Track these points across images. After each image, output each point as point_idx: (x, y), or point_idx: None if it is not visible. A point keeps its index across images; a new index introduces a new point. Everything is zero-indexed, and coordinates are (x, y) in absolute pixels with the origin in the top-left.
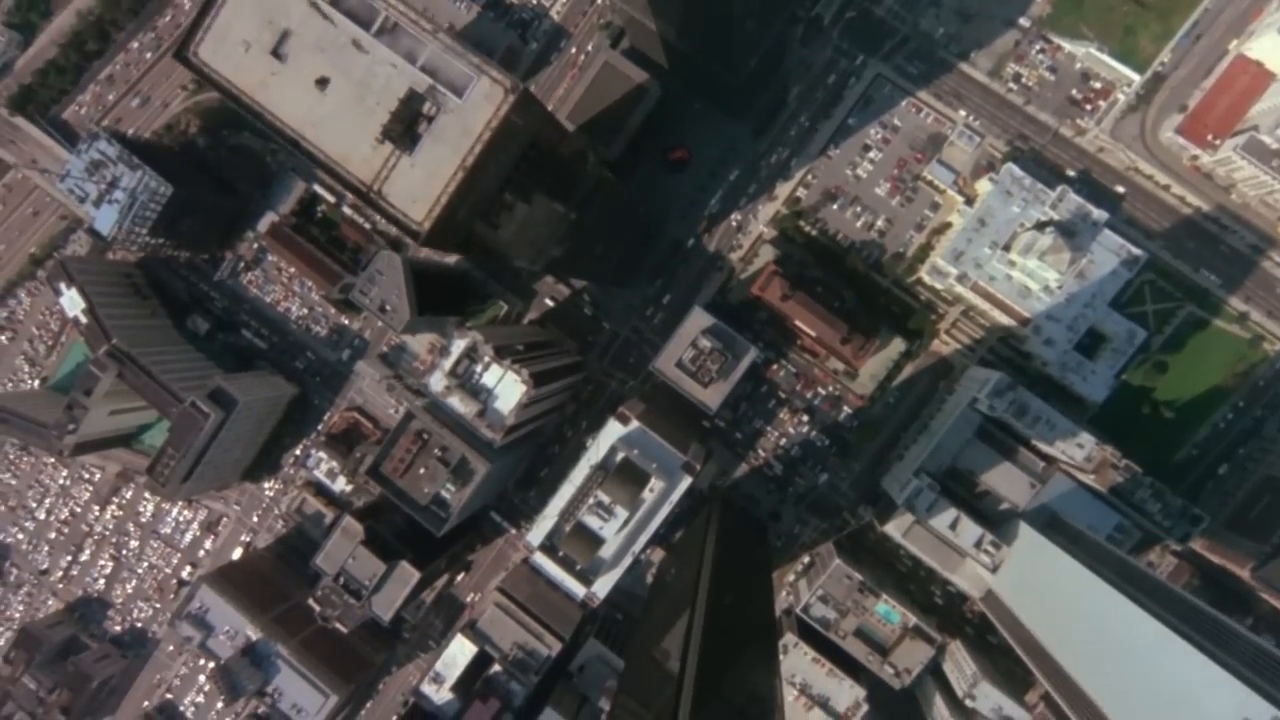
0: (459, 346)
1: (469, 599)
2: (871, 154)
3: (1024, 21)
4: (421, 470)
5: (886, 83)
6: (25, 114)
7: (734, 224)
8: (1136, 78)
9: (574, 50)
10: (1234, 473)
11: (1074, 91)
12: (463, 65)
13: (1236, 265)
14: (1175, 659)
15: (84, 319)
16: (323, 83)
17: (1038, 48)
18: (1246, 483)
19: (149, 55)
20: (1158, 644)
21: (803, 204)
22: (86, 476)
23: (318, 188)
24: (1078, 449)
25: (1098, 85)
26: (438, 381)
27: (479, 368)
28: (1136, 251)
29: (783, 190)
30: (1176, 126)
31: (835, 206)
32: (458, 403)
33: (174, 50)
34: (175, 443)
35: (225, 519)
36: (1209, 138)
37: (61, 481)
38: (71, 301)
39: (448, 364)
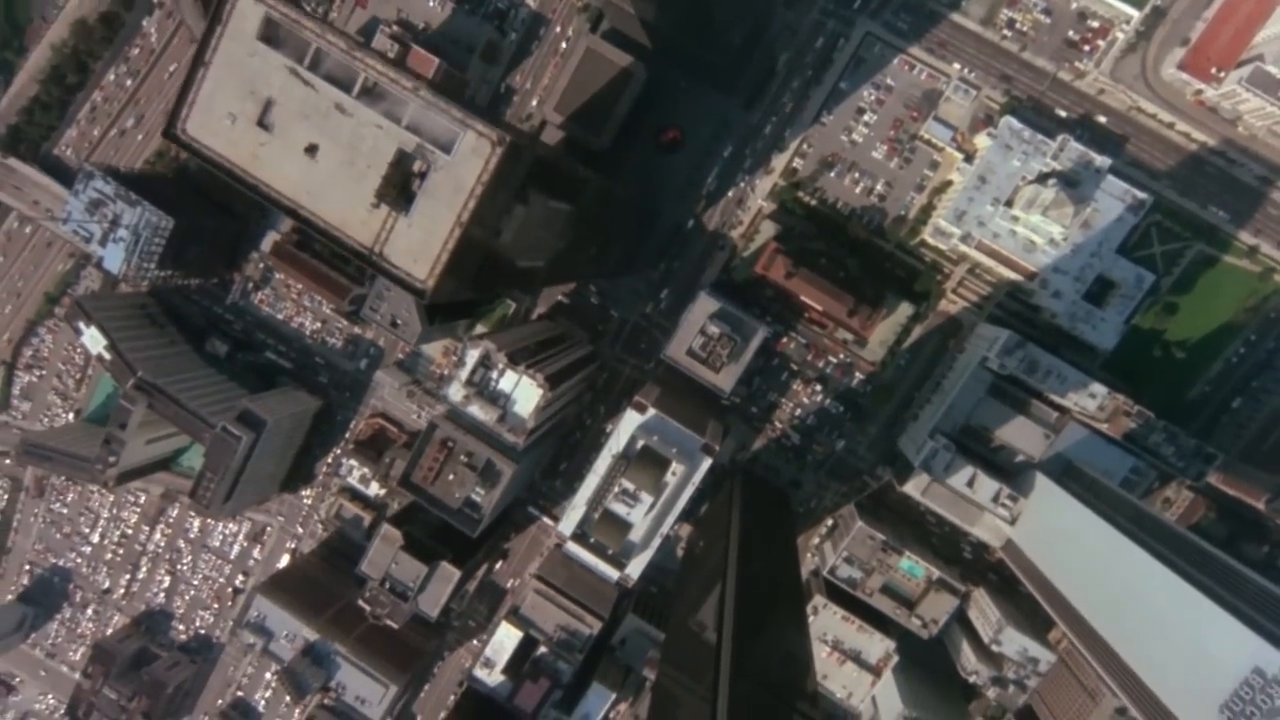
0: (473, 356)
1: (509, 584)
2: (866, 117)
3: None
4: (450, 476)
5: (876, 41)
6: (18, 154)
7: (732, 201)
8: (1135, 13)
9: (555, 34)
10: (1248, 406)
11: (1071, 33)
12: (447, 121)
13: (1245, 198)
14: (1188, 607)
15: (107, 355)
16: (312, 150)
17: None
18: (1260, 415)
19: (129, 83)
20: (1171, 592)
21: (800, 174)
22: (132, 500)
23: None
24: (1090, 399)
25: (1095, 25)
26: (456, 392)
27: (495, 374)
28: (1142, 195)
29: (779, 162)
30: (1179, 62)
31: (833, 174)
32: (478, 410)
33: (163, 128)
34: (212, 466)
35: (269, 528)
36: (1213, 71)
37: (109, 507)
38: (93, 339)
39: (464, 374)
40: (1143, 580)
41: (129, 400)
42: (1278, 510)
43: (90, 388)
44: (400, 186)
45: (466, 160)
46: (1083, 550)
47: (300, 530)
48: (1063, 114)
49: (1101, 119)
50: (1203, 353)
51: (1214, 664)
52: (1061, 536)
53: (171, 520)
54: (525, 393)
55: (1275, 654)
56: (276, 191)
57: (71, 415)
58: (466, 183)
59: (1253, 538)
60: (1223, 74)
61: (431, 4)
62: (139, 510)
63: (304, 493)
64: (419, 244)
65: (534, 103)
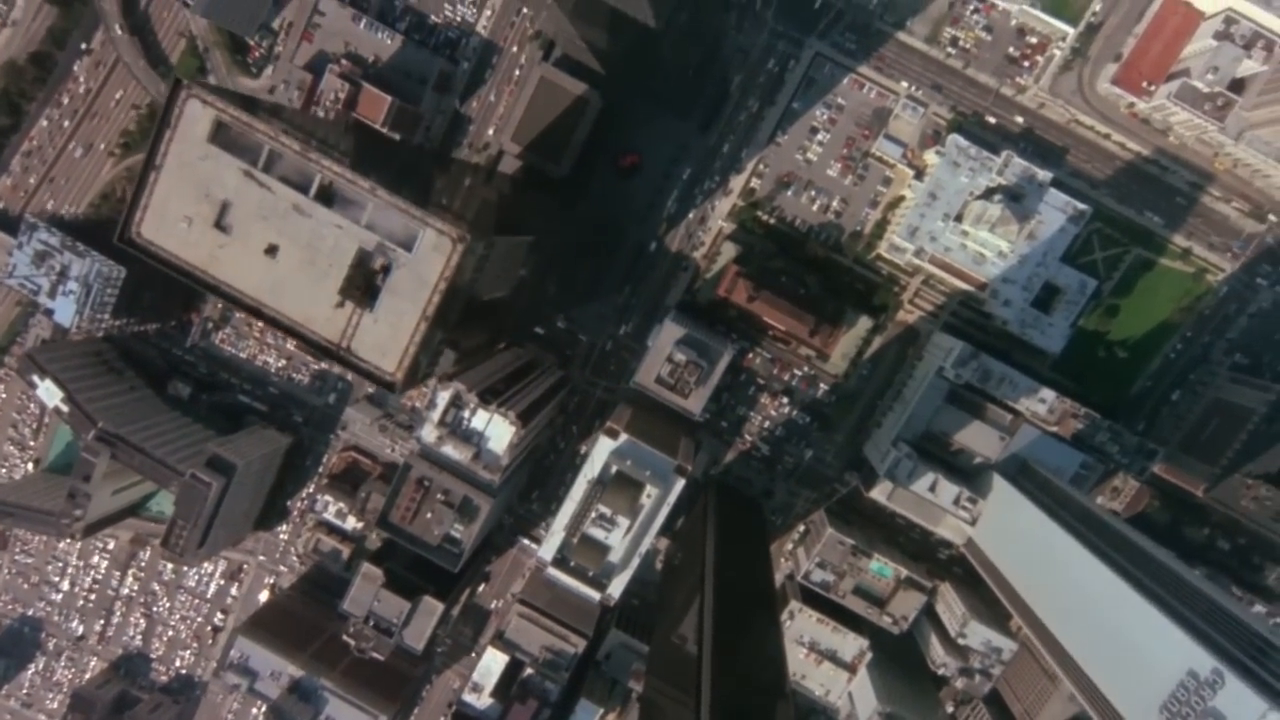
0: (444, 398)
1: (492, 605)
2: (819, 136)
3: None
4: (428, 514)
5: (826, 61)
6: None
7: (693, 222)
8: (1070, 30)
9: (508, 61)
10: (1185, 398)
11: (1011, 49)
12: (406, 219)
13: (1178, 204)
14: (1130, 610)
15: (64, 407)
16: (272, 250)
17: (972, 8)
18: (1197, 406)
19: (66, 124)
20: (1115, 595)
21: (758, 194)
22: (101, 546)
23: None
24: (1040, 404)
25: (1034, 41)
26: (429, 433)
27: (466, 413)
28: (1082, 207)
29: (736, 183)
30: (1112, 77)
31: (790, 193)
32: (452, 450)
33: (116, 234)
34: (183, 514)
35: (246, 566)
36: (1144, 85)
37: (78, 554)
38: (48, 392)
39: (436, 415)
40: (1089, 582)
41: (91, 452)
42: (1215, 498)
43: (49, 436)
44: (363, 284)
45: (428, 257)
46: (1036, 551)
47: (277, 565)
48: (1008, 128)
49: (1043, 132)
50: (1143, 350)
51: (1153, 665)
52: (1017, 537)
53: (143, 564)
54: (498, 430)
55: (1206, 656)
56: (238, 291)
57: (31, 465)
58: (429, 279)
59: (1194, 522)
60: (1153, 88)
61: (380, 36)
62: (109, 555)
63: (279, 529)
64: (386, 338)
65: (490, 131)
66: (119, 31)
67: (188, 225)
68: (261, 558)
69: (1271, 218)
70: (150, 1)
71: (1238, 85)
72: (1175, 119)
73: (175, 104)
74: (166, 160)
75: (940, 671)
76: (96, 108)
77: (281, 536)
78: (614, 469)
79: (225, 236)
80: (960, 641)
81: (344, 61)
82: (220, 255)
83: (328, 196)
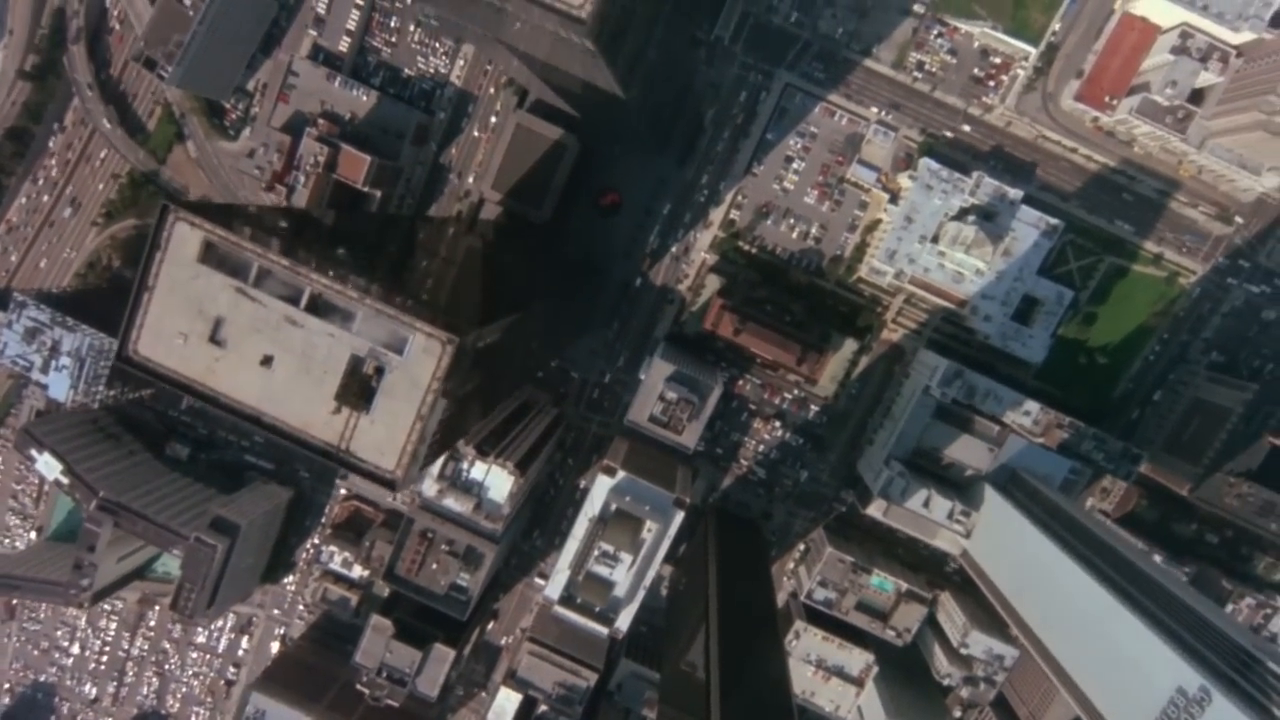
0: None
1: (503, 642)
2: (795, 165)
3: (918, 8)
4: (434, 565)
5: (797, 91)
6: None
7: (676, 255)
8: (1032, 50)
9: (484, 110)
10: (1167, 397)
11: (976, 70)
12: (395, 325)
13: (1147, 211)
14: (1120, 626)
15: (64, 479)
16: (267, 361)
17: (935, 32)
18: (1178, 405)
19: (45, 198)
20: (1104, 610)
21: (738, 225)
22: (109, 608)
23: None
24: (1025, 416)
25: (997, 61)
26: (430, 487)
27: (465, 464)
28: (1054, 221)
29: (716, 215)
30: (1075, 93)
31: (769, 222)
32: (453, 502)
33: (115, 354)
34: (190, 578)
35: (255, 618)
36: (1106, 99)
37: (86, 618)
38: (47, 466)
39: (435, 469)
40: (1079, 596)
41: (94, 523)
42: (1201, 497)
43: (50, 503)
44: (358, 389)
45: (419, 360)
46: (1027, 563)
47: (286, 616)
48: (978, 146)
49: (1012, 149)
50: (1123, 354)
51: (1144, 683)
52: (1009, 550)
53: (152, 623)
54: (498, 479)
55: (1193, 674)
56: (237, 402)
57: (34, 533)
58: (422, 380)
59: (1183, 518)
60: (1115, 101)
61: (355, 93)
62: (117, 617)
63: (286, 580)
64: (384, 438)
65: (470, 179)
66: (94, 102)
67: (183, 341)
68: (271, 610)
69: (1238, 219)
70: (124, 70)
71: (1197, 96)
72: (1139, 131)
73: (164, 227)
74: (158, 281)
75: (945, 682)
76: (76, 179)
77: (289, 588)
78: (614, 506)
79: (221, 350)
80: (963, 651)
81: (321, 121)
82: (217, 368)
83: (318, 307)
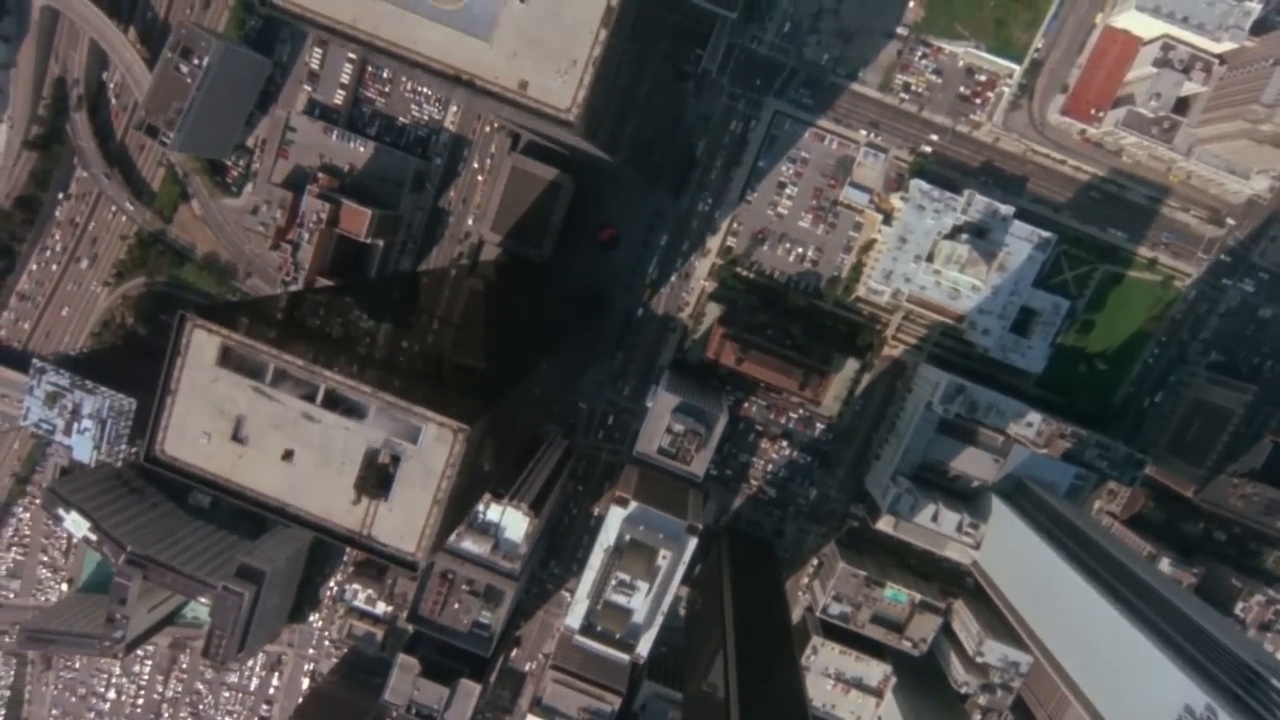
0: None
1: (527, 668)
2: (788, 190)
3: (901, 30)
4: (456, 605)
5: (786, 118)
6: None
7: (676, 285)
8: (1016, 68)
9: (480, 153)
10: (1168, 399)
11: (962, 89)
12: (408, 417)
13: (1138, 218)
14: (1128, 642)
15: (92, 536)
16: (289, 455)
17: (920, 54)
18: (1180, 407)
19: (54, 268)
20: (1113, 626)
21: (735, 251)
22: (142, 654)
23: None
24: (1027, 428)
25: (983, 78)
26: None
27: (481, 507)
28: (1046, 235)
29: (713, 243)
30: (1061, 107)
31: (766, 247)
32: (471, 544)
33: (143, 455)
34: (220, 625)
35: (284, 656)
36: (1092, 112)
37: (119, 666)
38: (75, 524)
39: None
40: (1087, 612)
41: (125, 576)
42: (1206, 499)
43: (79, 556)
44: (376, 480)
45: (433, 449)
46: (1038, 577)
47: (314, 653)
48: (968, 163)
49: (1002, 163)
50: (1122, 359)
51: (1152, 700)
52: (1018, 561)
53: (184, 666)
54: (514, 520)
55: (1199, 693)
56: (262, 495)
57: (65, 585)
58: (437, 467)
59: (1190, 518)
60: (1101, 114)
61: (353, 145)
62: (151, 662)
63: (313, 619)
64: (403, 523)
65: (470, 221)
66: (99, 167)
67: (207, 440)
68: (300, 648)
69: (1230, 221)
70: (126, 134)
71: (1182, 104)
72: (1126, 141)
73: (183, 335)
74: (180, 385)
75: (963, 690)
76: (85, 242)
77: (315, 625)
78: (628, 537)
79: (243, 447)
80: (979, 660)
81: (321, 175)
82: (241, 464)
83: (334, 402)
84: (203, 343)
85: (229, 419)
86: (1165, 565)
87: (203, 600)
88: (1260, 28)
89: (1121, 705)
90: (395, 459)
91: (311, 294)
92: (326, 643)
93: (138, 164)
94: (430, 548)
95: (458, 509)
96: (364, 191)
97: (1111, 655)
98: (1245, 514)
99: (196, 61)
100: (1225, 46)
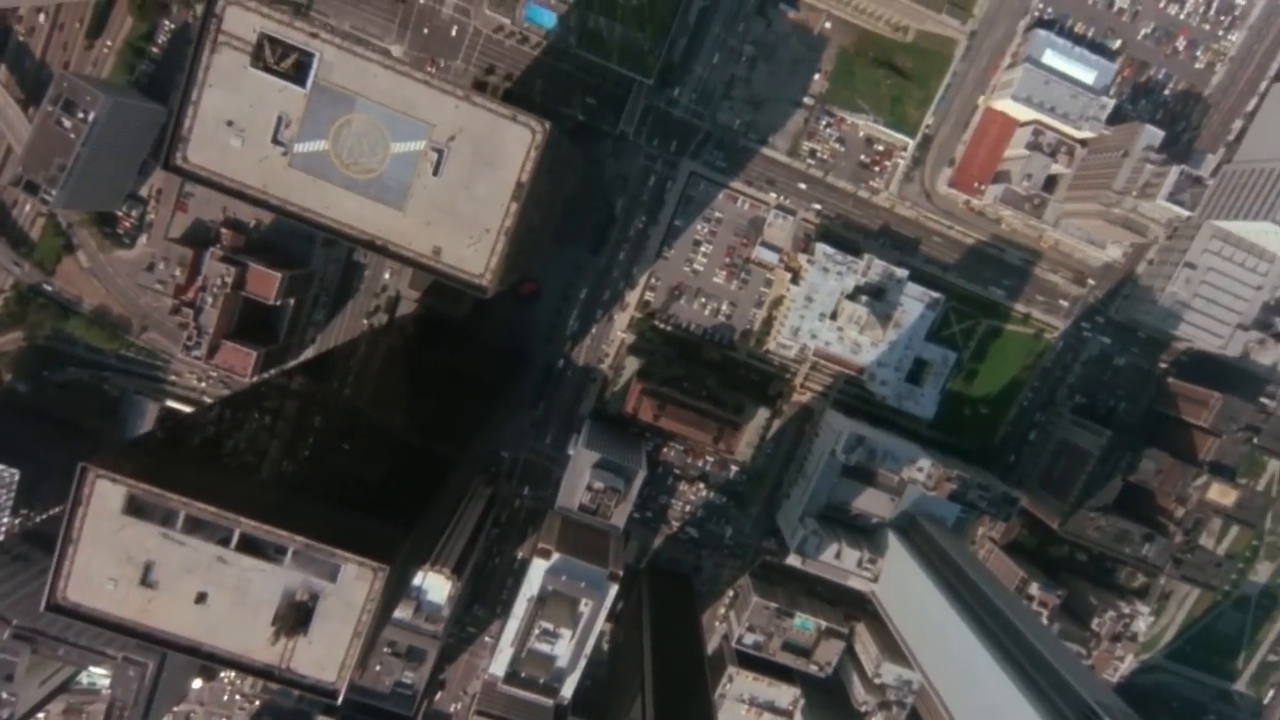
0: None
1: (451, 709)
2: (703, 248)
3: (808, 100)
4: (377, 667)
5: (701, 179)
6: None
7: (596, 337)
8: (910, 141)
9: None
10: (1040, 438)
11: (863, 157)
12: (326, 557)
13: (1015, 278)
14: (989, 675)
15: None
16: (202, 597)
17: (825, 123)
18: (1049, 444)
19: None
20: (977, 658)
21: (653, 305)
22: None
23: (171, 403)
24: (919, 472)
25: (881, 148)
26: None
27: None
28: (936, 295)
29: (631, 297)
30: (949, 179)
31: (682, 301)
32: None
33: (43, 603)
34: (122, 697)
35: (193, 715)
36: (976, 185)
37: None
38: None
39: None
40: (958, 643)
41: (10, 652)
42: (1067, 530)
43: None
44: (295, 618)
45: (352, 586)
46: (920, 610)
47: (227, 711)
48: (868, 226)
49: (898, 227)
50: (1001, 404)
51: None
52: (907, 596)
53: None
54: (436, 583)
55: None
56: (174, 637)
57: None
58: (357, 603)
59: (1057, 542)
60: (983, 187)
61: None
62: None
63: (223, 675)
64: (323, 655)
65: (386, 275)
66: None
67: (114, 586)
68: (211, 707)
69: (1091, 281)
70: None
71: (1051, 181)
72: (1004, 213)
73: (85, 485)
74: (82, 535)
75: (863, 709)
76: None
77: (226, 682)
78: (550, 588)
79: (153, 591)
80: (877, 680)
81: (224, 232)
82: (150, 609)
83: (249, 545)
84: (106, 491)
85: (137, 565)
86: (1035, 589)
87: (99, 670)
88: (1116, 117)
89: None
90: (314, 596)
91: (221, 405)
92: (239, 697)
93: (12, 214)
94: (350, 675)
95: (377, 629)
96: (272, 247)
97: (975, 684)
98: (1099, 543)
99: (81, 116)
100: (1086, 134)
